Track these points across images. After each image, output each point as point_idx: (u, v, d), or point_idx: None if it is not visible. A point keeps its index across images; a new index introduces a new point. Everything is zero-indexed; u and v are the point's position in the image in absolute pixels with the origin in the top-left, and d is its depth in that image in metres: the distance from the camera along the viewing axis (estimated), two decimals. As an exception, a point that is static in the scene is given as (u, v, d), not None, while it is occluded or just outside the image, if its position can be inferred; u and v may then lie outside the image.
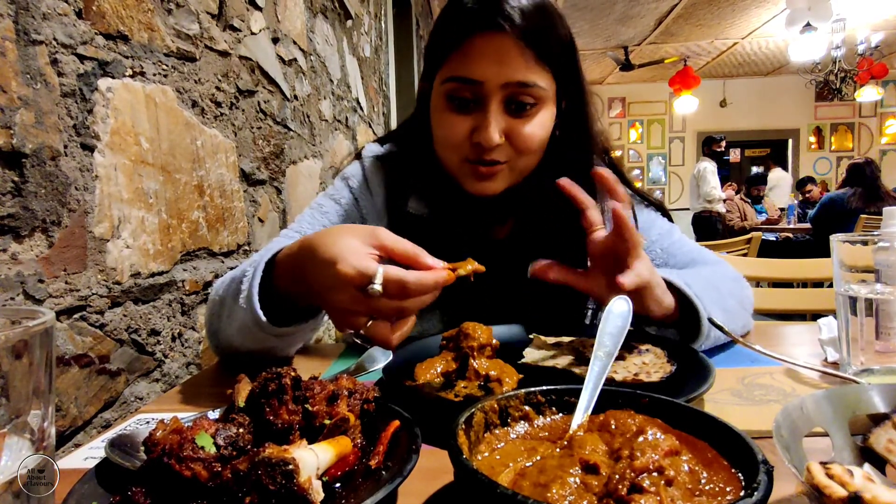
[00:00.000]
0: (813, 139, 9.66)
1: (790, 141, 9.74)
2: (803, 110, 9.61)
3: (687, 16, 6.54)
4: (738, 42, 7.61)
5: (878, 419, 0.42)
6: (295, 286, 0.67)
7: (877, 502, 0.23)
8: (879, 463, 0.39)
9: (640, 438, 0.37)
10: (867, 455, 0.39)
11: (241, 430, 0.40)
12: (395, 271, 0.56)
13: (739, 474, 0.35)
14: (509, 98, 0.83)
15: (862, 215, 4.52)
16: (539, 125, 0.85)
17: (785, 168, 9.71)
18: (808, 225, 5.74)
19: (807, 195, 7.13)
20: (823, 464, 0.28)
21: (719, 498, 0.33)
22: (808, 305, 1.70)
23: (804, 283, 2.19)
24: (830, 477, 0.26)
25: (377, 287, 0.55)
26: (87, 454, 0.54)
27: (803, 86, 8.47)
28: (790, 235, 6.03)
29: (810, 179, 7.45)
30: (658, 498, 0.31)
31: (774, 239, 6.01)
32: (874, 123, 9.53)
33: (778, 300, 1.69)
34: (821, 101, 9.35)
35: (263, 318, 0.66)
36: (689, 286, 0.75)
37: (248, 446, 0.40)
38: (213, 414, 0.49)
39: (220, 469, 0.36)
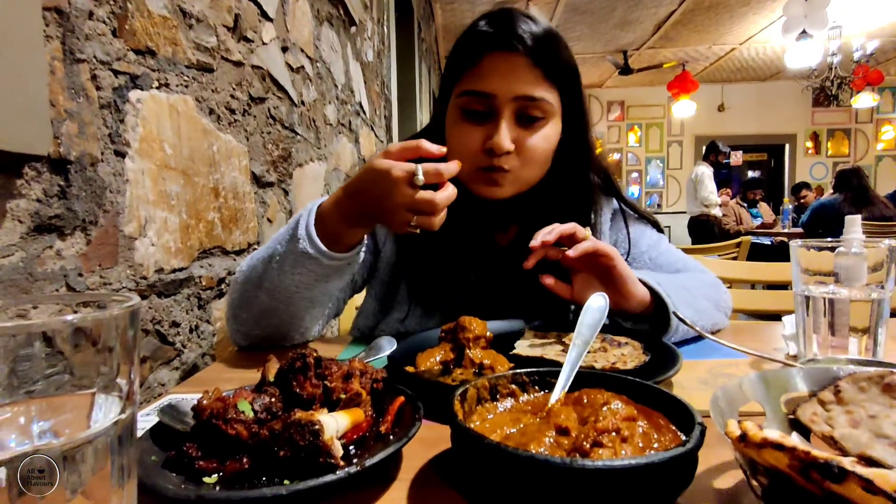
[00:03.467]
0: (810, 144, 9.75)
1: (787, 146, 9.83)
2: (800, 116, 9.70)
3: (685, 21, 6.63)
4: (736, 48, 7.70)
5: (812, 396, 0.49)
6: (347, 221, 0.81)
7: (757, 437, 0.30)
8: (806, 433, 0.47)
9: (605, 408, 0.45)
10: (795, 426, 0.47)
11: (273, 399, 0.48)
12: (429, 165, 0.75)
13: (683, 436, 0.43)
14: (519, 110, 0.90)
15: (853, 220, 4.60)
16: (544, 138, 0.93)
17: (781, 171, 9.78)
18: (801, 229, 5.82)
19: (801, 200, 7.22)
20: (739, 421, 0.35)
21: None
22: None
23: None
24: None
25: (420, 177, 0.74)
26: (130, 426, 0.61)
27: (800, 91, 8.57)
28: (785, 239, 6.11)
29: (805, 185, 7.54)
30: (612, 450, 0.38)
31: (769, 243, 6.10)
32: (870, 129, 9.63)
33: (772, 301, 1.78)
34: (817, 106, 9.45)
35: (323, 247, 0.81)
36: (660, 284, 0.84)
37: (280, 412, 0.47)
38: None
39: (258, 430, 0.44)
